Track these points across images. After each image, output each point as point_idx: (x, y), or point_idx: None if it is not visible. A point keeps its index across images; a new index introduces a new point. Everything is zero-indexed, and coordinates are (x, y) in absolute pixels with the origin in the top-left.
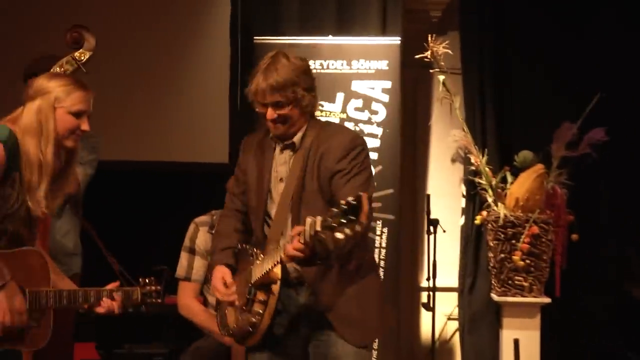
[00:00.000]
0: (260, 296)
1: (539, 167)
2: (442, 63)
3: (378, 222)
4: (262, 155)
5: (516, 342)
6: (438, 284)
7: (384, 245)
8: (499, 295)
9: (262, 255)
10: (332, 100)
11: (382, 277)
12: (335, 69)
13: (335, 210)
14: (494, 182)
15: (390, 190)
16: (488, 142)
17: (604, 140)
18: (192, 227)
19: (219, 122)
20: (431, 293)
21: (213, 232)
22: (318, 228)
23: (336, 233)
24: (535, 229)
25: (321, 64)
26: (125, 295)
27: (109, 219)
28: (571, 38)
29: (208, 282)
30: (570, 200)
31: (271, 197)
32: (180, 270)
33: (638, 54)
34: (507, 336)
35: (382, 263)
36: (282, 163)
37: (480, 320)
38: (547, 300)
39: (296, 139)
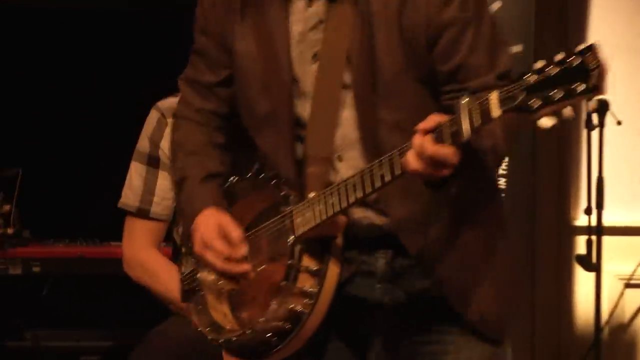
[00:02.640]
0: (309, 263)
1: None
2: None
3: None
4: (260, 12)
5: None
6: (607, 222)
7: (503, 171)
8: None
9: (293, 192)
10: None
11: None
12: None
13: (532, 75)
14: None
15: (519, 48)
16: None
17: None
18: (153, 116)
19: None
20: (594, 238)
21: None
22: (496, 111)
23: (542, 118)
24: None
25: None
26: None
27: None
28: None
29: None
30: None
31: (299, 90)
32: (130, 196)
33: None
34: None
35: (501, 181)
36: (310, 27)
37: None
38: None
39: None
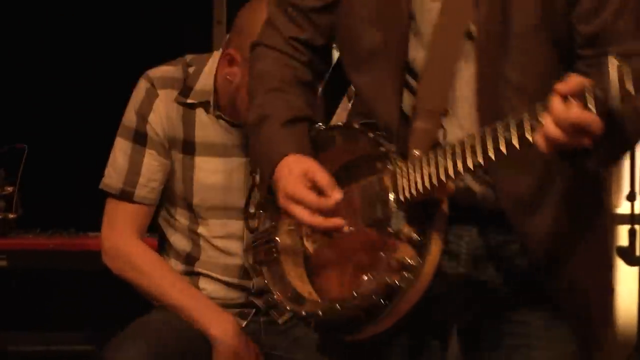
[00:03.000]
0: (411, 231)
1: None
2: None
3: None
4: None
5: None
6: None
7: None
8: None
9: (393, 148)
10: None
11: None
12: None
13: None
14: None
15: None
16: None
17: None
18: (141, 86)
19: None
20: (638, 227)
21: (189, 101)
22: None
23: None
24: None
25: None
26: None
27: None
28: None
29: (177, 204)
30: None
31: (414, 28)
32: (113, 177)
33: None
34: None
35: None
36: None
37: None
38: None
39: None
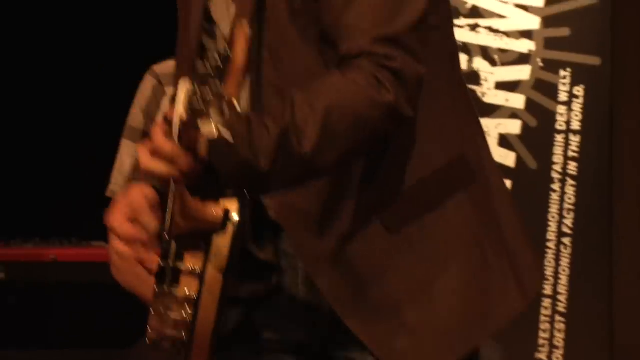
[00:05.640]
0: (190, 261)
1: None
2: None
3: (564, 80)
4: None
5: None
6: None
7: (573, 154)
8: None
9: None
10: None
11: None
12: None
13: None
14: None
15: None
16: None
17: None
18: (147, 83)
19: None
20: None
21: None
22: (180, 108)
23: (205, 124)
24: None
25: None
26: None
27: None
28: None
29: None
30: None
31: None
32: (121, 182)
33: None
34: None
35: (570, 187)
36: None
37: None
38: None
39: None
